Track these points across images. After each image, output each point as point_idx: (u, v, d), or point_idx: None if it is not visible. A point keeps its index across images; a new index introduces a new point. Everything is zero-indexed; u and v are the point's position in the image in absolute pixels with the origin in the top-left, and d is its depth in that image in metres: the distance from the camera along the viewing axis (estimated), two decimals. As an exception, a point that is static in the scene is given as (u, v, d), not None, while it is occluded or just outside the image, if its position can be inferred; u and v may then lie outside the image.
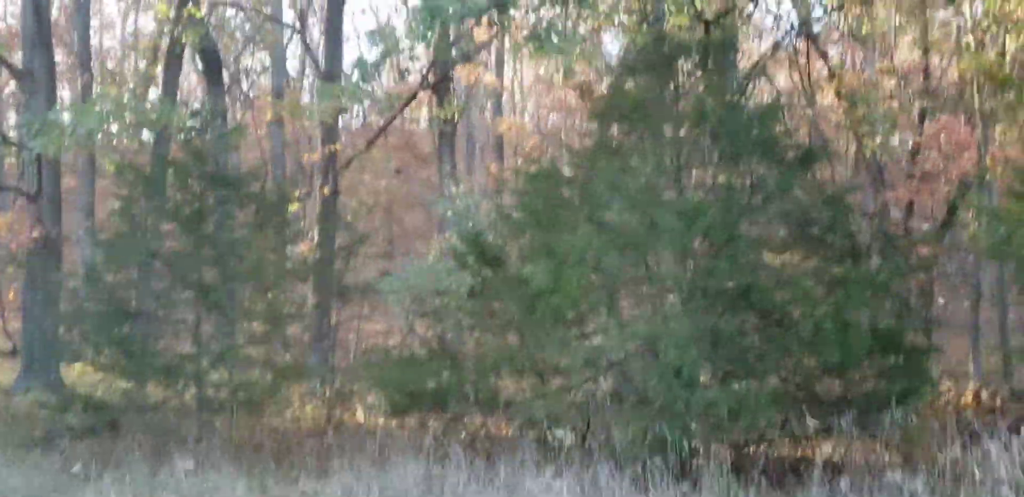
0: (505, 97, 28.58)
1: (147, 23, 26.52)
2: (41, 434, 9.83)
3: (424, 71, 17.79)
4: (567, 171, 9.02)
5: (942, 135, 14.05)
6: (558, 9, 8.92)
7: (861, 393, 7.66)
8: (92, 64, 21.36)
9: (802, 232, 8.21)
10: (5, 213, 15.07)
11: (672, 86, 8.98)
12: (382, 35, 9.62)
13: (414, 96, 18.26)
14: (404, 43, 9.39)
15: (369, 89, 12.03)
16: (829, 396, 7.77)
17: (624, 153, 8.70)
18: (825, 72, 14.44)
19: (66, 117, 12.89)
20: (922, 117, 14.54)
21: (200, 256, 10.44)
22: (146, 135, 16.51)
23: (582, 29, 9.77)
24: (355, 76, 9.96)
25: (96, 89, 19.51)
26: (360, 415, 11.01)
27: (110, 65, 26.58)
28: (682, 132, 8.42)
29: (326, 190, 15.90)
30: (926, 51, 15.30)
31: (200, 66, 18.71)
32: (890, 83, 15.71)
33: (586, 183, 8.87)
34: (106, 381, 10.70)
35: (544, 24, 8.90)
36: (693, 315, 7.14)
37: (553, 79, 24.58)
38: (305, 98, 25.01)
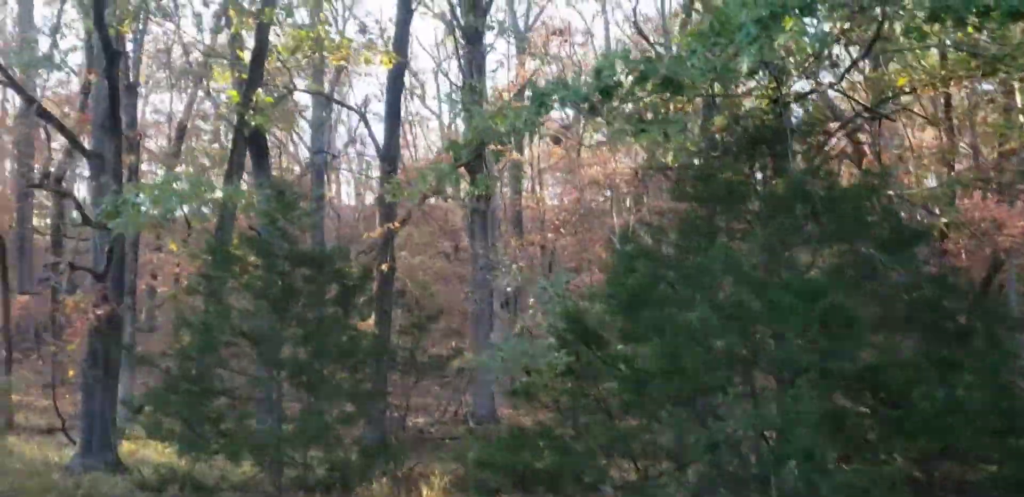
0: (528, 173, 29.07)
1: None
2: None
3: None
4: (664, 250, 9.13)
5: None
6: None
7: (985, 476, 7.58)
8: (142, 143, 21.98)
9: (910, 312, 8.27)
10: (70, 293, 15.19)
11: (759, 167, 9.22)
12: (479, 122, 9.92)
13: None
14: (504, 127, 9.67)
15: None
16: (951, 479, 7.69)
17: (723, 234, 8.87)
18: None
19: (142, 198, 13.18)
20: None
21: (287, 335, 10.51)
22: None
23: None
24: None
25: (153, 170, 19.93)
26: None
27: (157, 144, 27.12)
28: (778, 213, 8.57)
29: (384, 267, 16.11)
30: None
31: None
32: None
33: (682, 262, 9.03)
34: (169, 459, 10.72)
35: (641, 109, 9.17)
36: (822, 396, 7.14)
37: (576, 155, 25.13)
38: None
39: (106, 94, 14.76)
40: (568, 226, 24.55)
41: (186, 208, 14.19)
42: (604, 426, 8.66)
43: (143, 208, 12.83)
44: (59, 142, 21.93)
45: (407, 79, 23.91)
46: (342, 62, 17.31)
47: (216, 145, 22.47)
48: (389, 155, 17.44)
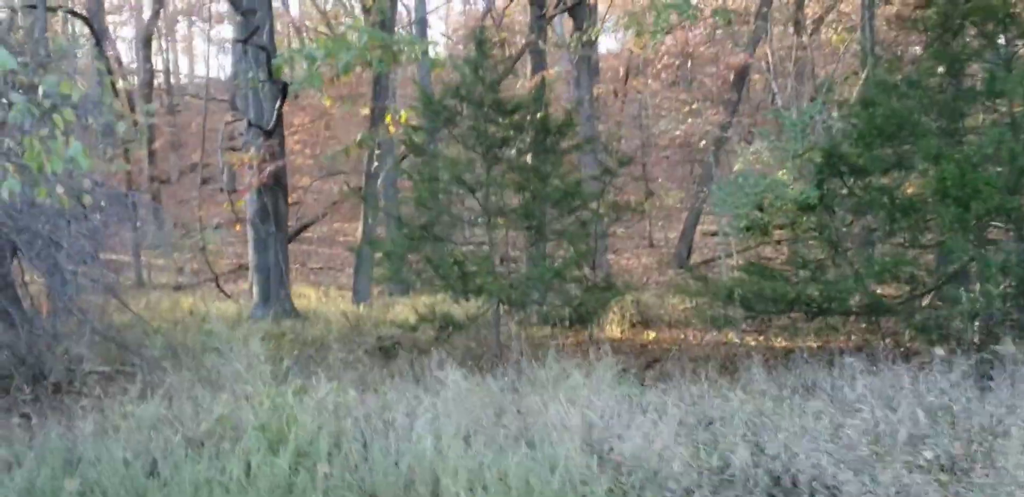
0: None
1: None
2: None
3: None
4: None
5: None
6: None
7: None
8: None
9: None
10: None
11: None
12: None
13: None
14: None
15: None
16: None
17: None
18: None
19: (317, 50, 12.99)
20: None
21: (505, 182, 10.63)
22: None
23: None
24: None
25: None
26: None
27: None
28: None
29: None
30: None
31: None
32: None
33: (941, 91, 8.85)
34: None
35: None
36: None
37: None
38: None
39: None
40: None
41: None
42: (865, 254, 8.82)
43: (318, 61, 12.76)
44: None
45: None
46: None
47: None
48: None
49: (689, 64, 23.54)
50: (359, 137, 14.85)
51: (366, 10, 15.42)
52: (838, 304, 8.53)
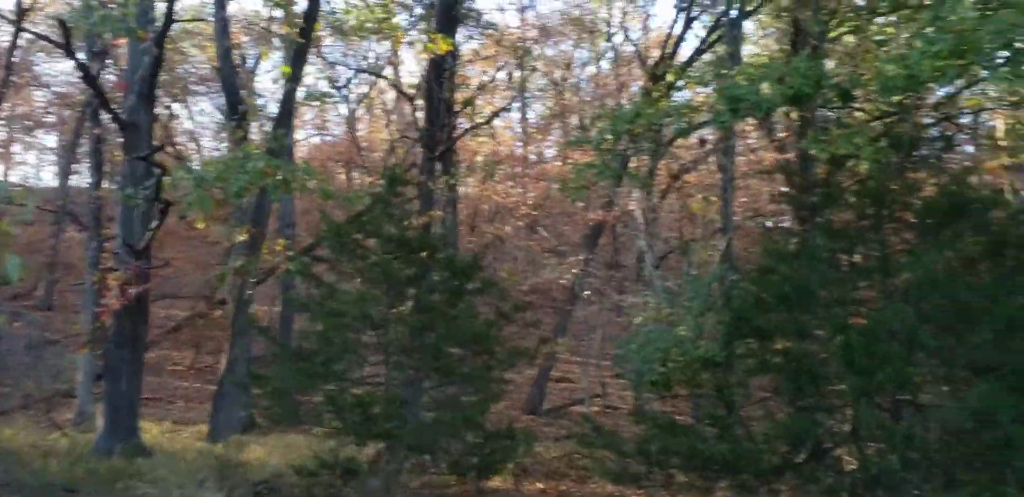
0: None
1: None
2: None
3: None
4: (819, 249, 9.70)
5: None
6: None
7: None
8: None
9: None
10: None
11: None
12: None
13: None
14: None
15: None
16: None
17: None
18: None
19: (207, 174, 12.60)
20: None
21: (413, 321, 10.45)
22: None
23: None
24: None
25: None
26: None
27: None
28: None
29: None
30: None
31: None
32: None
33: (835, 261, 9.70)
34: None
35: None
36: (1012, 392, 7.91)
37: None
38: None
39: (148, 62, 13.95)
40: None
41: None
42: (772, 417, 9.20)
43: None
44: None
45: None
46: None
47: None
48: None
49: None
50: (236, 263, 14.26)
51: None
52: (748, 463, 8.76)
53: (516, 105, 28.43)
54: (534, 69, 25.97)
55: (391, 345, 10.34)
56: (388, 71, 25.56)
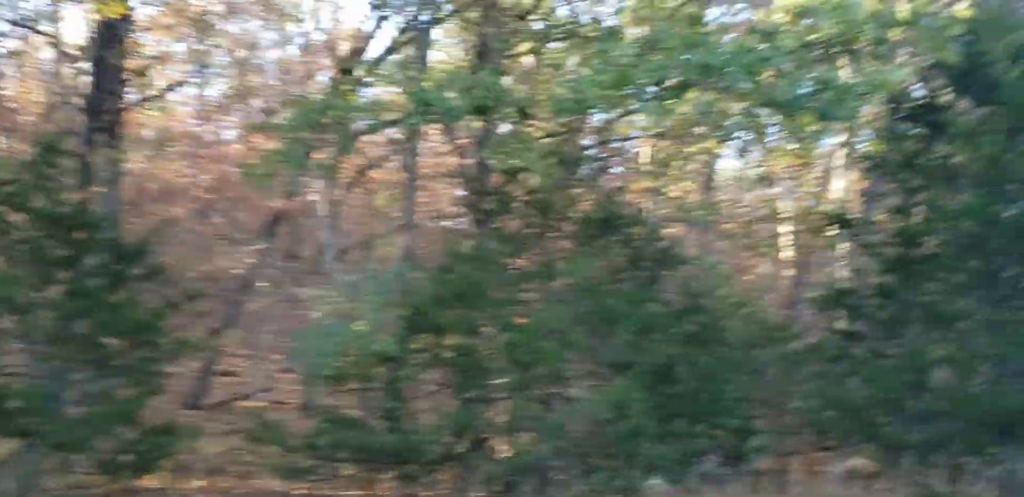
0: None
1: None
2: None
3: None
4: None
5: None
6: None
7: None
8: None
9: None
10: None
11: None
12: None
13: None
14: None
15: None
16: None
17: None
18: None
19: None
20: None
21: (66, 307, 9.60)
22: None
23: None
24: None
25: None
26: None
27: None
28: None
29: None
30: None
31: None
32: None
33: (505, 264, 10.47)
34: None
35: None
36: (645, 386, 9.09)
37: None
38: None
39: None
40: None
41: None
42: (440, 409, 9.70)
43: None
44: None
45: None
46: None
47: None
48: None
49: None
50: None
51: None
52: (416, 455, 9.18)
53: (195, 81, 26.91)
54: (217, 45, 24.77)
55: (36, 333, 9.41)
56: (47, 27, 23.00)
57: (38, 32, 24.19)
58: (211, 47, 24.84)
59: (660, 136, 13.06)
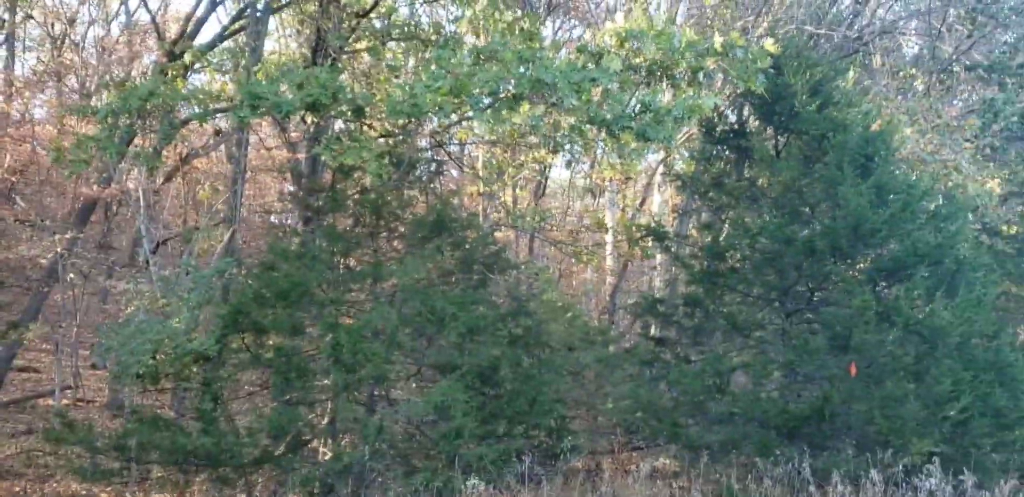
0: None
1: None
2: None
3: None
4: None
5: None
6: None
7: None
8: None
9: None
10: None
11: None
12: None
13: None
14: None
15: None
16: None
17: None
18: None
19: None
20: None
21: None
22: None
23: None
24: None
25: None
26: None
27: None
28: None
29: None
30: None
31: None
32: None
33: (333, 263, 10.37)
34: None
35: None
36: (467, 387, 9.28)
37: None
38: None
39: None
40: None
41: None
42: (258, 411, 9.49)
43: None
44: None
45: None
46: None
47: None
48: None
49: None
50: None
51: None
52: (230, 457, 8.95)
53: (1, 54, 24.98)
54: (29, 17, 23.10)
55: None
56: None
57: None
58: (22, 17, 23.15)
59: (493, 144, 13.33)
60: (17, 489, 11.01)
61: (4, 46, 25.02)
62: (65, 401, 17.31)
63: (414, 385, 9.86)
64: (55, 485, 11.20)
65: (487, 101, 8.42)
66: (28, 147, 21.49)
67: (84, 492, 10.99)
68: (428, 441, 9.02)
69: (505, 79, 8.36)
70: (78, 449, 9.39)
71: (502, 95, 8.61)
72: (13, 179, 21.51)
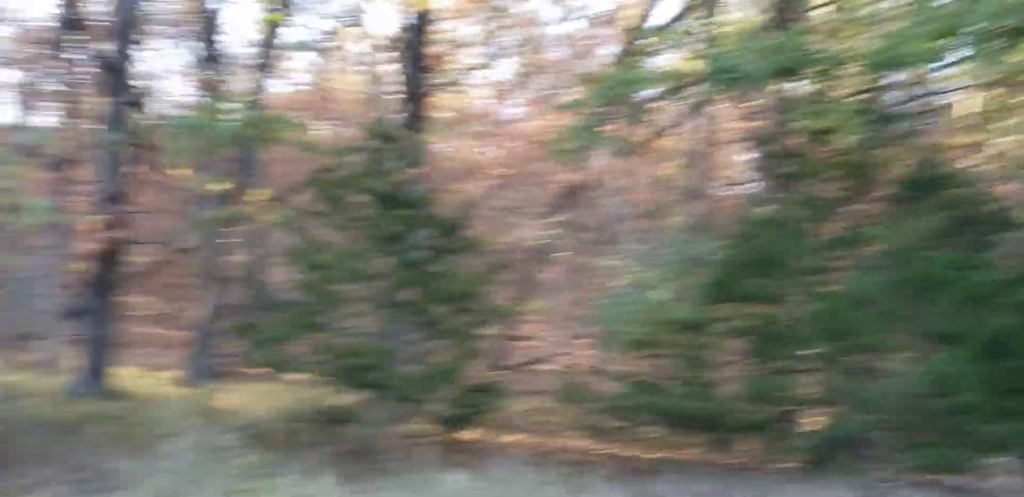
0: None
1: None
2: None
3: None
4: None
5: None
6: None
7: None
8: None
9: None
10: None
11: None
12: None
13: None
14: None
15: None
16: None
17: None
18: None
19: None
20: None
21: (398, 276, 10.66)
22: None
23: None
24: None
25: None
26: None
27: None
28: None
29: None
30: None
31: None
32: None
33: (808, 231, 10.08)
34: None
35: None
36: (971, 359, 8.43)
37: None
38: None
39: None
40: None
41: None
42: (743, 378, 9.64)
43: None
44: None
45: None
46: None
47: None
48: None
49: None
50: (213, 211, 14.32)
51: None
52: (719, 422, 9.20)
53: (489, 63, 28.24)
54: (510, 26, 25.79)
55: (376, 299, 10.53)
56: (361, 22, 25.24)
57: (359, 27, 26.58)
58: (503, 28, 25.95)
59: (987, 86, 11.85)
60: (532, 442, 12.41)
61: (491, 56, 28.26)
62: (558, 367, 19.17)
63: (907, 355, 9.20)
64: (564, 440, 12.39)
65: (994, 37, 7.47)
66: (515, 143, 24.04)
67: (588, 447, 12.00)
68: (930, 415, 8.35)
69: (1007, 11, 7.36)
70: (581, 408, 10.34)
71: (1000, 29, 7.60)
72: (505, 173, 24.27)
